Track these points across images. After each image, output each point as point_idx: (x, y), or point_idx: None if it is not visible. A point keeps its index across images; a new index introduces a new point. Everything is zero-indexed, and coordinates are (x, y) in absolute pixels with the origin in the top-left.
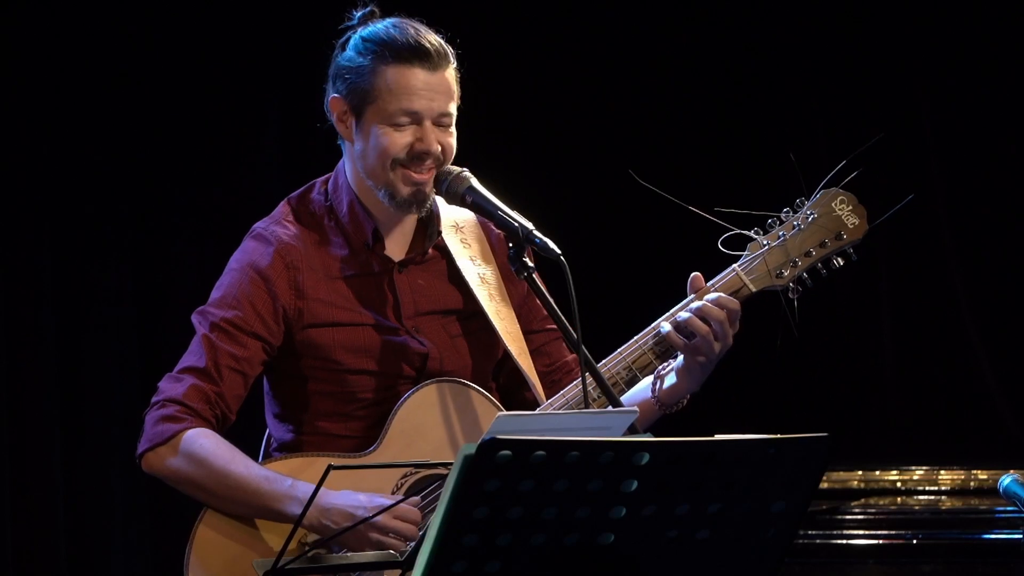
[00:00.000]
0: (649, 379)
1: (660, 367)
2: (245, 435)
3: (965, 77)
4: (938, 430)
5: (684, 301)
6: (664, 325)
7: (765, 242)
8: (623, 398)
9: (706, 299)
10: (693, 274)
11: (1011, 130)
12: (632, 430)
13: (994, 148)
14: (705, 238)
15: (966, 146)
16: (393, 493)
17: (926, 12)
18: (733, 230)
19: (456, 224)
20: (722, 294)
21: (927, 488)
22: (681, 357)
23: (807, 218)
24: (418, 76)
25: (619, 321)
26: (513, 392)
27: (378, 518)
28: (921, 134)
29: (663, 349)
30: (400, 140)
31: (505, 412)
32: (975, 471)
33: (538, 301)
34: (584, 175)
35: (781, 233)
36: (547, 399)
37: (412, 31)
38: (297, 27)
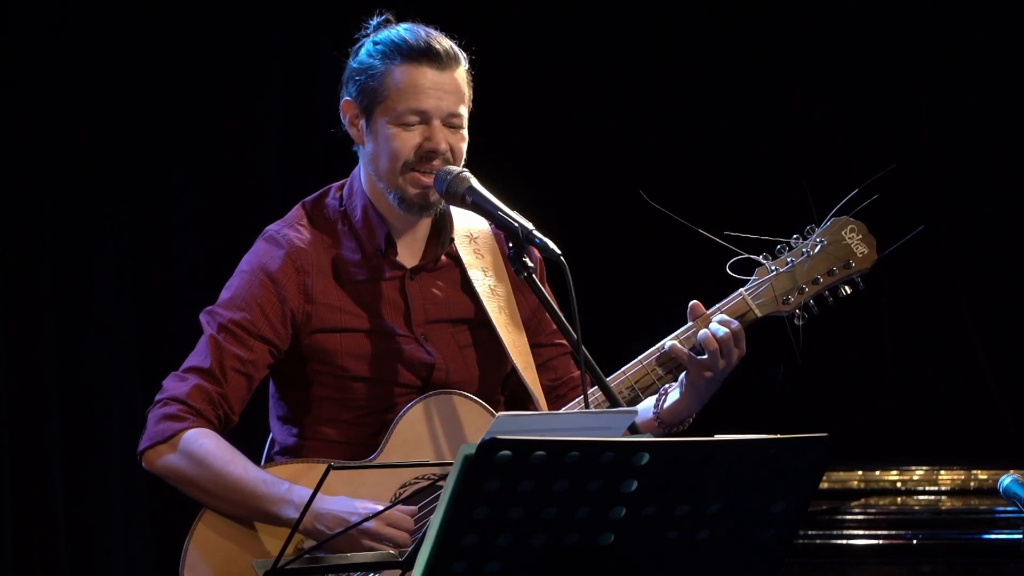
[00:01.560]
0: (652, 398)
1: (665, 386)
2: (248, 438)
3: (965, 78)
4: (938, 430)
5: (684, 327)
6: (669, 341)
7: (773, 268)
8: None
9: (715, 319)
10: (692, 302)
11: (1011, 130)
12: (632, 430)
13: (994, 149)
14: (711, 246)
15: (966, 147)
16: (391, 502)
17: (926, 16)
18: (741, 253)
19: (470, 235)
20: (726, 316)
21: (927, 488)
22: (684, 375)
23: (816, 245)
24: (427, 75)
25: (620, 324)
26: (519, 406)
27: (371, 525)
28: (921, 135)
29: (669, 368)
30: (409, 141)
31: (505, 412)
32: (975, 471)
33: (547, 315)
34: (589, 182)
35: (789, 259)
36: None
37: (423, 33)
38: (298, 28)
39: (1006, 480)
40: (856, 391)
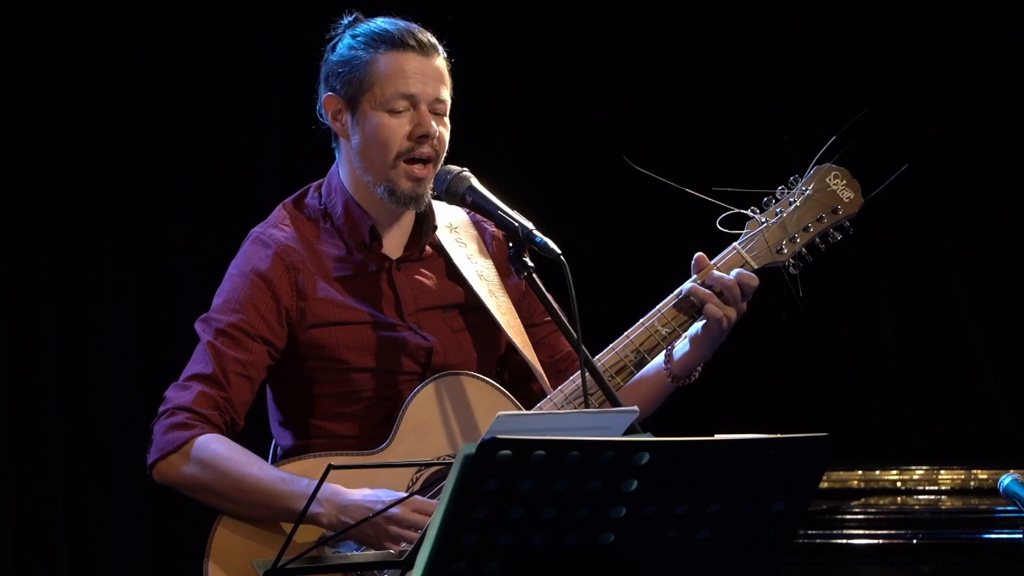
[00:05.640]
0: (660, 357)
1: (677, 340)
2: (249, 449)
3: (965, 78)
4: (938, 430)
5: (688, 281)
6: (670, 300)
7: (763, 220)
8: (637, 377)
9: (714, 272)
10: (697, 254)
11: (1011, 130)
12: (632, 430)
13: (994, 149)
14: (704, 230)
15: (966, 147)
16: (409, 488)
17: (926, 11)
18: (731, 209)
19: (451, 225)
20: (743, 270)
21: (927, 488)
22: (694, 327)
23: (803, 194)
24: (412, 61)
25: (619, 320)
26: (519, 386)
27: (397, 511)
28: (920, 133)
29: (673, 327)
30: (399, 129)
31: (505, 412)
32: (975, 471)
33: (536, 297)
34: (581, 169)
35: (778, 210)
36: (554, 389)
37: (402, 24)
38: (297, 34)
39: (1006, 480)
40: (856, 391)
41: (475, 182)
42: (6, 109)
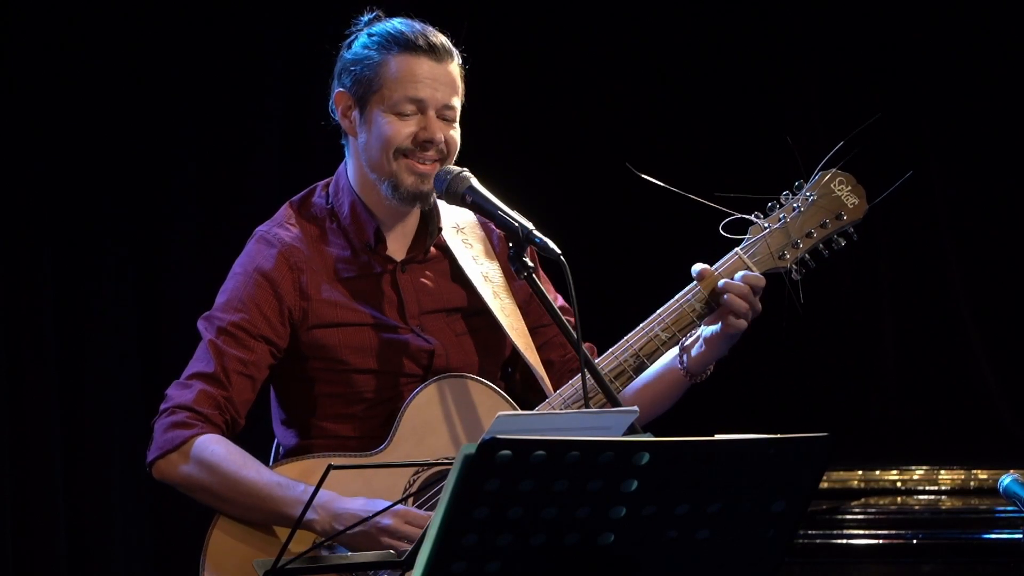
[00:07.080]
0: (673, 351)
1: (684, 339)
2: (251, 448)
3: (965, 78)
4: (938, 430)
5: (687, 287)
6: (672, 304)
7: (766, 225)
8: (651, 371)
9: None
10: (697, 266)
11: (1011, 130)
12: (632, 430)
13: (994, 149)
14: (706, 233)
15: (966, 147)
16: (405, 491)
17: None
18: (734, 214)
19: (457, 225)
20: (748, 271)
21: (927, 488)
22: (708, 329)
23: (807, 200)
24: (423, 66)
25: (619, 322)
26: (529, 388)
27: (389, 522)
28: (920, 134)
29: (672, 332)
30: (404, 129)
31: (505, 412)
32: (975, 471)
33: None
34: (583, 172)
35: (782, 216)
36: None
37: (419, 26)
38: (297, 34)
39: (1006, 480)
40: (856, 391)
41: (475, 182)
42: (6, 109)
